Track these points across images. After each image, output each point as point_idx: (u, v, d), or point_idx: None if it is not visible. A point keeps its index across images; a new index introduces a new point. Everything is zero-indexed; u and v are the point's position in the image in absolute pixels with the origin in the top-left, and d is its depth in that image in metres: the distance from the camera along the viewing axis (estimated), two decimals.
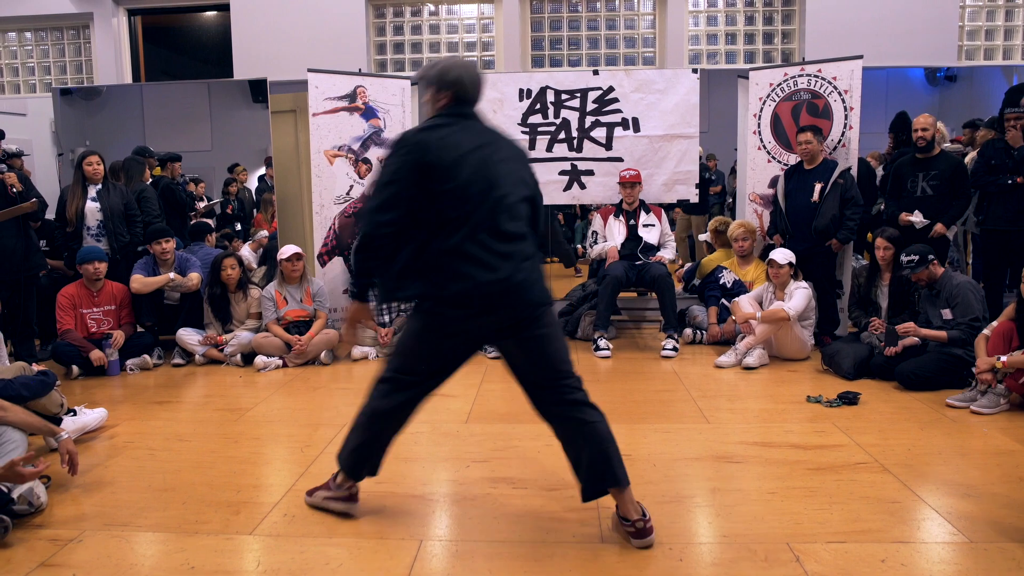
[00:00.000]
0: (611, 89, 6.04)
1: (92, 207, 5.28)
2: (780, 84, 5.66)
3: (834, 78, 5.44)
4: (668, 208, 6.55)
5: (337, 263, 5.89)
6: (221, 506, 2.74)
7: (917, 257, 4.39)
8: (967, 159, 5.52)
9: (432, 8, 7.06)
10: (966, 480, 2.94)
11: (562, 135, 5.97)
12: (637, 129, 6.02)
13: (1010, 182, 4.87)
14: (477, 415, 3.89)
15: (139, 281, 5.10)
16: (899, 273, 4.59)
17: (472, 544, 2.46)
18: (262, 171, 9.37)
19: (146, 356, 5.05)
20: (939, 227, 4.96)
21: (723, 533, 2.51)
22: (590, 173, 6.08)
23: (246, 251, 7.20)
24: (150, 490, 2.91)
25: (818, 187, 5.17)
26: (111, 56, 7.23)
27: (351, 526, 2.58)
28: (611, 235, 5.71)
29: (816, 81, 5.52)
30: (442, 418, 3.84)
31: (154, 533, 2.55)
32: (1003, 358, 3.77)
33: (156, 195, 5.86)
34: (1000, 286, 5.17)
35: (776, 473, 3.03)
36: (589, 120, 6.06)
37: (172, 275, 5.17)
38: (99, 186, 5.33)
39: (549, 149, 5.99)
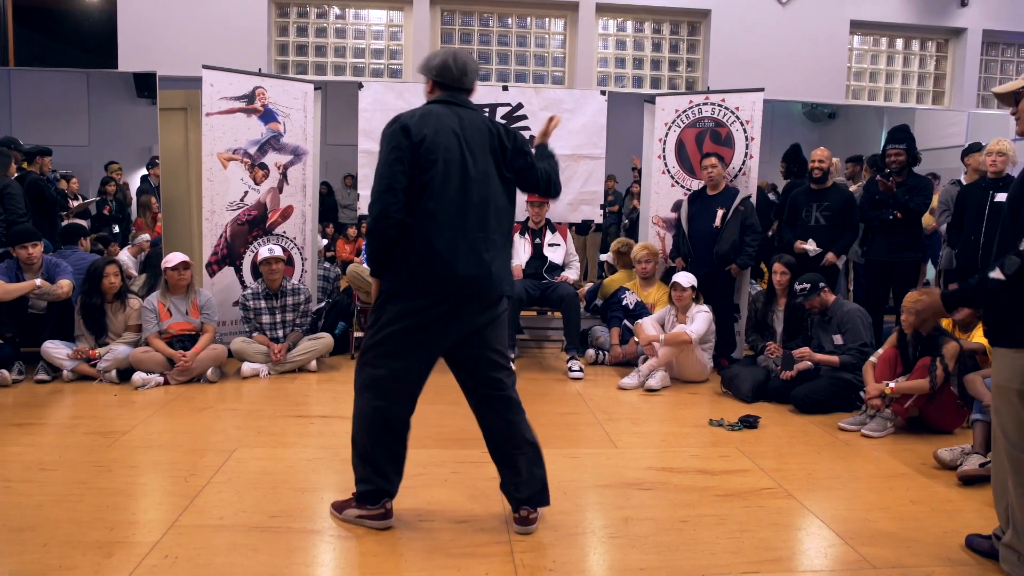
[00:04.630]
0: (520, 106, 6.01)
1: None
2: (685, 111, 5.80)
3: (737, 108, 5.62)
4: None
5: (228, 273, 5.52)
6: (90, 548, 2.43)
7: (809, 285, 4.56)
8: (851, 189, 5.83)
9: (339, 11, 6.81)
10: (864, 505, 3.02)
11: None
12: None
13: (891, 217, 5.16)
14: None
15: None
16: (793, 301, 4.76)
17: None
18: (144, 171, 8.76)
19: (3, 371, 4.52)
20: (830, 256, 5.18)
21: (639, 566, 2.45)
22: None
23: (125, 256, 6.68)
24: (4, 531, 2.55)
25: (720, 213, 5.30)
26: None
27: (243, 568, 2.34)
28: (516, 253, 5.64)
29: (720, 110, 5.68)
30: (340, 443, 3.62)
31: None
32: (891, 384, 3.95)
33: (22, 192, 5.30)
34: (881, 313, 5.46)
35: (686, 500, 3.01)
36: None
37: (39, 281, 4.67)
38: None
39: None
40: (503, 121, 5.97)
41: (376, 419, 2.56)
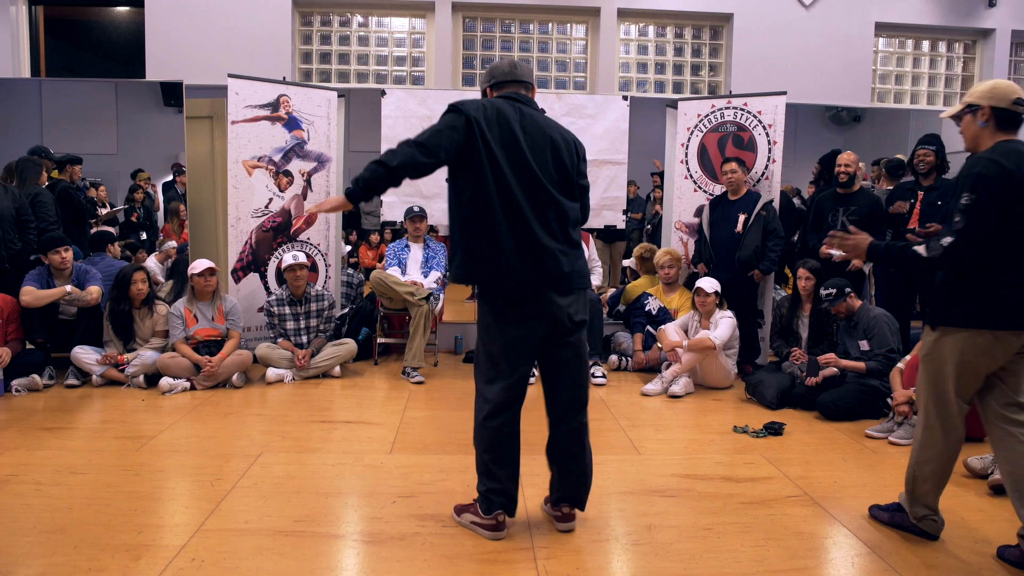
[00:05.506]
0: (542, 112, 5.99)
1: None
2: (708, 115, 5.77)
3: (759, 112, 5.58)
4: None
5: (253, 279, 5.59)
6: (119, 550, 2.47)
7: (835, 290, 4.51)
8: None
9: (361, 19, 6.87)
10: None
11: None
12: None
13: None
14: (401, 445, 3.70)
15: (30, 294, 4.66)
16: (819, 306, 4.71)
17: None
18: (168, 178, 8.88)
19: (35, 376, 4.61)
20: (857, 261, 5.12)
21: (663, 574, 2.43)
22: None
23: (152, 262, 6.77)
24: (35, 532, 2.60)
25: (742, 218, 5.26)
26: (7, 47, 6.69)
27: (268, 572, 2.36)
28: None
29: (742, 114, 5.65)
30: (364, 448, 3.65)
31: None
32: None
33: (53, 200, 5.40)
34: (907, 318, 5.38)
35: (710, 508, 2.99)
36: None
37: (69, 288, 4.76)
38: None
39: None
40: None
41: (482, 425, 2.60)
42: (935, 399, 2.61)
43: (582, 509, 2.75)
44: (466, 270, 2.53)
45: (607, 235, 8.18)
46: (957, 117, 2.62)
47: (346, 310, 6.06)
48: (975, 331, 2.47)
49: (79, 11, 8.05)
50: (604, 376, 5.13)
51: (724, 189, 5.47)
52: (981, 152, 2.49)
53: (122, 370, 4.76)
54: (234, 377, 4.80)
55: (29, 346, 4.84)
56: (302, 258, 5.17)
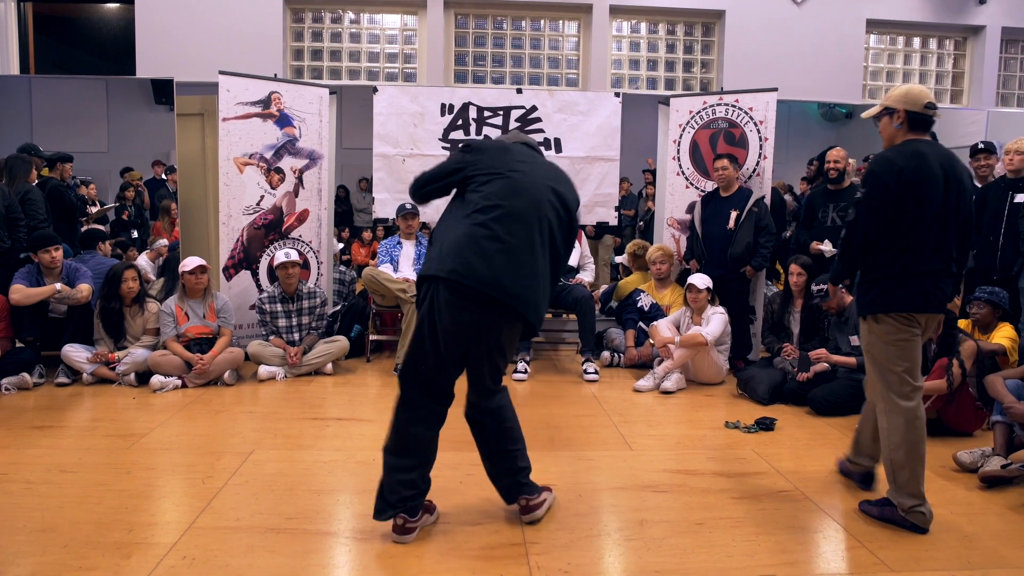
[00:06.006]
0: (534, 108, 6.02)
1: None
2: (699, 112, 5.78)
3: (751, 109, 5.59)
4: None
5: (244, 277, 5.57)
6: (109, 548, 2.46)
7: (826, 286, 4.53)
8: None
9: (353, 16, 6.85)
10: None
11: None
12: (559, 150, 6.00)
13: None
14: None
15: (20, 292, 4.64)
16: (810, 302, 4.73)
17: None
18: (150, 176, 8.83)
19: (25, 374, 4.59)
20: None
21: (655, 569, 2.44)
22: None
23: (143, 260, 6.75)
24: (25, 531, 2.59)
25: (733, 215, 5.28)
26: None
27: (260, 570, 2.36)
28: None
29: (733, 111, 5.66)
30: (356, 445, 3.64)
31: None
32: None
33: (43, 198, 5.37)
34: None
35: (702, 503, 3.00)
36: None
37: (59, 286, 4.74)
38: None
39: None
40: (517, 124, 5.98)
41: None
42: (885, 383, 2.79)
43: (508, 503, 2.76)
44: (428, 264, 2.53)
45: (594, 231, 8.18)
46: (876, 118, 2.88)
47: (338, 307, 6.05)
48: (896, 313, 2.74)
49: (68, 7, 8.01)
50: (596, 372, 5.14)
51: (715, 186, 5.49)
52: (884, 150, 2.75)
53: (113, 368, 4.74)
54: (226, 375, 4.79)
55: (19, 344, 4.82)
56: (294, 255, 5.15)
